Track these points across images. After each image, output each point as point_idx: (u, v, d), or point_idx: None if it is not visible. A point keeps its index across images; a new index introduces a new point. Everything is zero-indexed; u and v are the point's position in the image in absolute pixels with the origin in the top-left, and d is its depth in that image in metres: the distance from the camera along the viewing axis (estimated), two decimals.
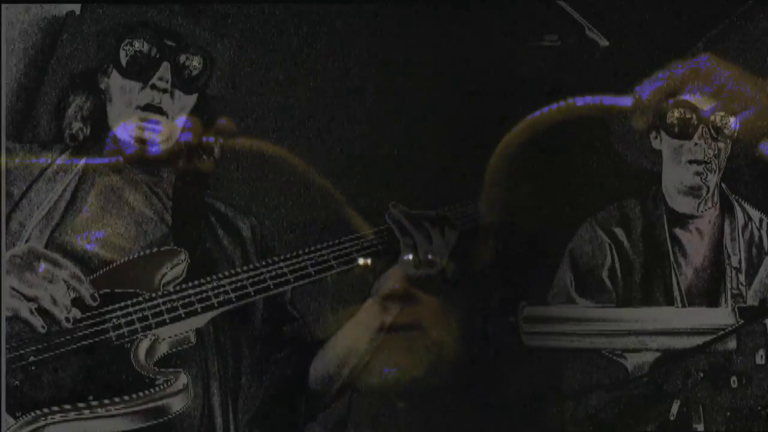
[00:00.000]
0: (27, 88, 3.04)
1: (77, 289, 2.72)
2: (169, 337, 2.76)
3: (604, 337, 3.07)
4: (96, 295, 2.74)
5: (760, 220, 3.16)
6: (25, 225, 2.84)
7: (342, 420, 3.01)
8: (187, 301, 2.79)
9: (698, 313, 3.08)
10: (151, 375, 2.70)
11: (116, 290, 2.77)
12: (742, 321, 3.05)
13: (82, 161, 2.92)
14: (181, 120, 2.92)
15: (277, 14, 3.13)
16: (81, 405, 2.66)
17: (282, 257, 2.86)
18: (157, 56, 2.88)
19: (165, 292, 2.79)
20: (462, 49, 3.17)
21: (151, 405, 2.68)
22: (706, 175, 3.11)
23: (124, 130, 2.90)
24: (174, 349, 2.78)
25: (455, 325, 3.03)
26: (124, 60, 2.89)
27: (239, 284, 2.82)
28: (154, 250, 2.85)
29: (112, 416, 2.65)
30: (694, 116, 3.10)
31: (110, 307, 2.75)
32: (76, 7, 3.04)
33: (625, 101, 3.13)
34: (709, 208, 3.15)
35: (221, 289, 2.81)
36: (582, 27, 3.21)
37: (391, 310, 2.92)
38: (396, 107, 3.16)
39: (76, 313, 2.71)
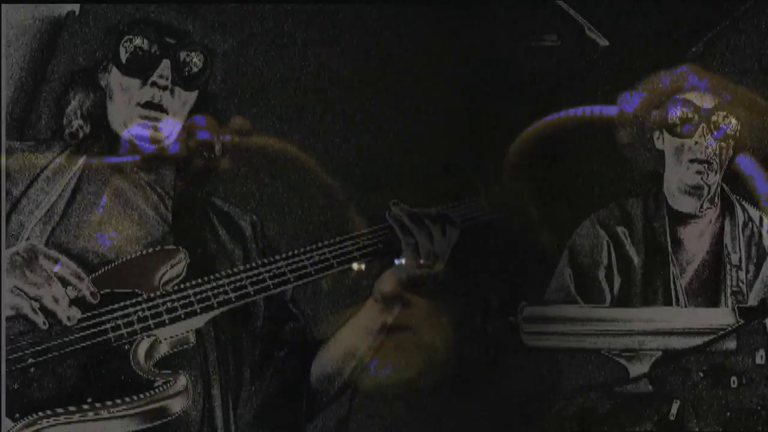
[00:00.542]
0: (27, 87, 3.03)
1: (78, 288, 2.71)
2: (169, 337, 2.75)
3: (604, 337, 3.07)
4: (97, 293, 2.73)
5: (761, 219, 3.16)
6: (25, 224, 2.82)
7: (343, 419, 3.00)
8: (186, 301, 2.77)
9: (698, 313, 3.09)
10: (150, 376, 2.68)
11: (115, 290, 2.76)
12: (742, 321, 3.05)
13: (82, 159, 2.92)
14: (181, 117, 2.92)
15: (278, 12, 3.14)
16: (80, 407, 2.64)
17: (282, 256, 2.84)
18: (158, 53, 2.87)
19: (164, 292, 2.78)
20: (462, 49, 3.18)
21: (150, 406, 2.66)
22: (707, 174, 3.11)
23: (125, 127, 2.89)
24: (174, 350, 2.77)
25: (455, 324, 3.02)
26: (124, 57, 2.88)
27: (239, 284, 2.80)
28: (154, 249, 2.84)
29: (112, 418, 2.64)
30: (696, 115, 3.11)
31: (109, 308, 2.73)
32: (76, 7, 3.04)
33: (625, 101, 3.14)
34: (710, 207, 3.15)
35: (221, 289, 2.79)
36: (582, 27, 3.22)
37: (392, 310, 2.91)
38: (396, 107, 3.16)
39: (75, 312, 2.70)
